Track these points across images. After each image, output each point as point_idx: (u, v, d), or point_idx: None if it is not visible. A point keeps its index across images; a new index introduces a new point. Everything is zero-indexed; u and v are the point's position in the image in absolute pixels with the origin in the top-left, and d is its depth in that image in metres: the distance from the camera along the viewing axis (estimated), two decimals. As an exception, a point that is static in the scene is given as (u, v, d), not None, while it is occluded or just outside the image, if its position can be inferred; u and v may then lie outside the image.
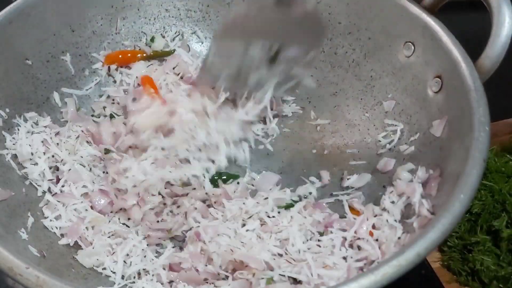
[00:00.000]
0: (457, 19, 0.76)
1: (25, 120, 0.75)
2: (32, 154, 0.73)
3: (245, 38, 0.71)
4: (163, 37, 0.89)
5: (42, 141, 0.75)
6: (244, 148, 0.78)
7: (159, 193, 0.73)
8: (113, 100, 0.85)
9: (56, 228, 0.69)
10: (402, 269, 0.50)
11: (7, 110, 0.73)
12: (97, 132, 0.78)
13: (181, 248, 0.70)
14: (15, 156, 0.72)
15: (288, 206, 0.72)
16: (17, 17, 0.74)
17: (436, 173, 0.65)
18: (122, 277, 0.65)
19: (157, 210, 0.73)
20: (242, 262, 0.63)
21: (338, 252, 0.65)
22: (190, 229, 0.70)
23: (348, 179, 0.77)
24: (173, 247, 0.70)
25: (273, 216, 0.70)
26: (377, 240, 0.65)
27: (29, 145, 0.73)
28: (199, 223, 0.69)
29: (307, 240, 0.68)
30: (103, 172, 0.76)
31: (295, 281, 0.62)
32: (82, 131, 0.78)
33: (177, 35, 0.89)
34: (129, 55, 0.86)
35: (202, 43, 0.90)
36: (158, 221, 0.72)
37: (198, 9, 0.89)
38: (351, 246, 0.67)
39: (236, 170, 0.78)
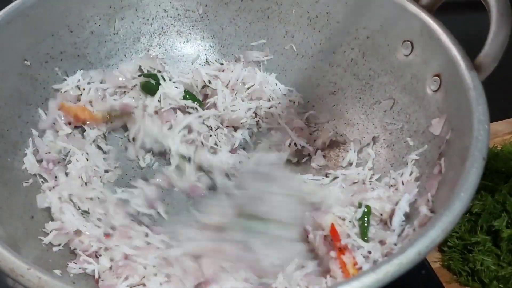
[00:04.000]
0: (456, 19, 0.76)
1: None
2: None
3: None
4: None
5: None
6: None
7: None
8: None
9: None
10: (403, 268, 0.50)
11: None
12: None
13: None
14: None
15: None
16: (15, 17, 0.74)
17: (436, 171, 0.65)
18: None
19: None
20: None
21: None
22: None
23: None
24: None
25: None
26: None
27: None
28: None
29: None
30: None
31: None
32: None
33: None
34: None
35: (200, 43, 0.90)
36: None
37: (196, 9, 0.89)
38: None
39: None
